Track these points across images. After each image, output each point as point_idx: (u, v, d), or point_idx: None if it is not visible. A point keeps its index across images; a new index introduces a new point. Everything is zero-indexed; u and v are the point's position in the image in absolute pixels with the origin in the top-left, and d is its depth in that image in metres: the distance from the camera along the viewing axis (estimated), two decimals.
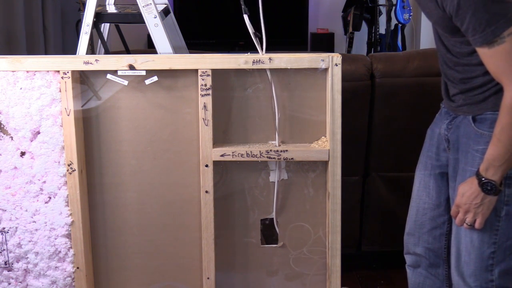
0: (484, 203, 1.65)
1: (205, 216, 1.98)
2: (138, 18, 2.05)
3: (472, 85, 1.69)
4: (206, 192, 1.96)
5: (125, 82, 1.94)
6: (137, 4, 2.01)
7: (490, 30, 1.52)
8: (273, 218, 2.03)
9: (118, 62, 1.91)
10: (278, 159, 1.94)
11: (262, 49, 1.89)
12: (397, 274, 2.53)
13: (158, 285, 2.08)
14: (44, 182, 1.96)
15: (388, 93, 2.34)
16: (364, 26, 4.76)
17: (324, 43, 5.05)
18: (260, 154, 1.94)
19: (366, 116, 2.37)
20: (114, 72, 1.93)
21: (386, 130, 2.38)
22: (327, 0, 5.10)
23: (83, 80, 1.95)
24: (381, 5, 4.63)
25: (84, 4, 2.06)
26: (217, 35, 4.93)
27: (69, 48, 3.75)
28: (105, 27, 2.32)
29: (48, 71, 1.91)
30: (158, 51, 2.00)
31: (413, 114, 2.35)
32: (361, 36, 4.84)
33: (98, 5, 2.07)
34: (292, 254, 2.06)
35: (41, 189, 1.96)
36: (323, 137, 1.97)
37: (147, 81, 1.94)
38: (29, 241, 1.99)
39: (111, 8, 2.30)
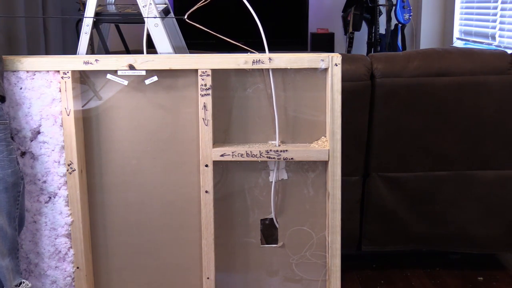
0: None
1: (205, 216, 1.98)
2: (138, 18, 2.05)
3: None
4: (206, 192, 1.96)
5: (125, 82, 1.94)
6: (137, 4, 2.01)
7: None
8: (273, 218, 2.04)
9: (118, 62, 1.91)
10: (278, 159, 1.94)
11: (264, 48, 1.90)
12: (397, 274, 2.53)
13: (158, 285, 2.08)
14: (44, 182, 1.96)
15: (388, 93, 2.33)
16: (364, 26, 4.76)
17: (324, 43, 5.05)
18: (260, 154, 1.94)
19: (366, 116, 2.36)
20: (114, 72, 1.93)
21: (386, 130, 2.37)
22: (327, 0, 5.10)
23: (84, 80, 1.95)
24: (381, 5, 4.63)
25: (84, 4, 2.06)
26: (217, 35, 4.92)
27: (69, 48, 3.75)
28: (105, 27, 2.32)
29: (48, 71, 1.91)
30: (158, 51, 2.00)
31: (413, 114, 2.35)
32: (361, 36, 4.84)
33: (98, 5, 2.07)
34: (293, 258, 2.06)
35: (41, 189, 1.96)
36: (323, 137, 1.97)
37: (147, 81, 1.94)
38: (30, 241, 2.00)
39: (111, 8, 2.30)
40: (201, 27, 1.99)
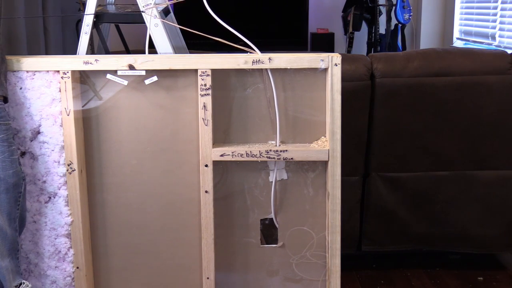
0: None
1: (205, 216, 1.98)
2: (138, 18, 2.05)
3: None
4: (206, 192, 1.96)
5: (125, 82, 1.94)
6: (137, 4, 2.01)
7: None
8: (273, 218, 2.04)
9: (118, 62, 1.91)
10: (278, 159, 1.94)
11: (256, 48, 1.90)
12: (397, 274, 2.53)
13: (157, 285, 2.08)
14: (44, 182, 1.96)
15: (388, 93, 2.34)
16: (364, 26, 4.76)
17: (324, 43, 5.05)
18: (260, 154, 1.94)
19: (366, 116, 2.36)
20: (114, 72, 1.93)
21: (386, 130, 2.37)
22: (327, 0, 5.11)
23: (84, 80, 1.95)
24: (381, 5, 4.63)
25: (84, 4, 2.07)
26: (217, 35, 4.92)
27: (69, 48, 3.75)
28: (105, 27, 2.32)
29: (48, 71, 1.91)
30: (158, 51, 2.00)
31: (413, 114, 2.35)
32: (361, 36, 4.85)
33: (98, 5, 2.07)
34: (293, 258, 2.06)
35: (41, 189, 1.96)
36: (323, 137, 1.97)
37: (147, 81, 1.94)
38: (29, 241, 2.00)
39: (111, 8, 2.30)
40: (188, 29, 1.99)
